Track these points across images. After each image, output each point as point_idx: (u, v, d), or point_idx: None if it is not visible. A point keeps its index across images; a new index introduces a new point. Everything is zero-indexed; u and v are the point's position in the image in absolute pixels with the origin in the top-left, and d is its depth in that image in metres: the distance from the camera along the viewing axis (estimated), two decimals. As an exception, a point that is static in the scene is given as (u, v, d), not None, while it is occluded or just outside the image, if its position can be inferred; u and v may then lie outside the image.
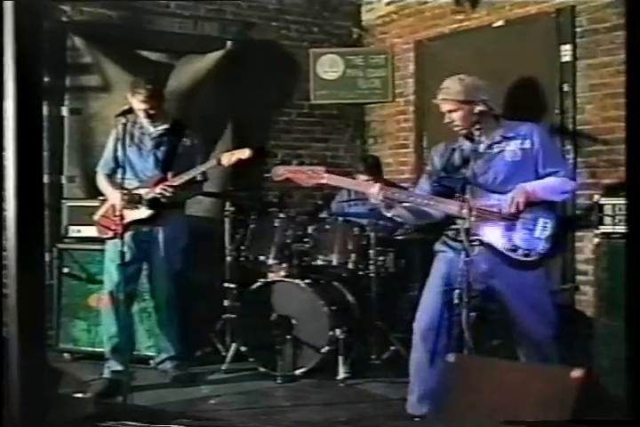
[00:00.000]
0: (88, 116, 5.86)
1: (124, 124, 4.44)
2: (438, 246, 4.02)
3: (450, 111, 3.87)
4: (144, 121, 4.87)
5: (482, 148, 3.89)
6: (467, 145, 3.93)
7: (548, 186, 3.80)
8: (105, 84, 5.87)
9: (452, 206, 3.78)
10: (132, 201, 4.72)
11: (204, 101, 6.11)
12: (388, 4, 6.70)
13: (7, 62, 1.89)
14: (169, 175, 4.80)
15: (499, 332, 4.53)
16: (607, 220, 4.39)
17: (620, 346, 2.45)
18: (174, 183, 4.73)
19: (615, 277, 4.27)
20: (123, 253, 4.19)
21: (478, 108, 3.85)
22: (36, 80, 1.97)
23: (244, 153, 4.70)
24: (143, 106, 4.76)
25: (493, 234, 3.76)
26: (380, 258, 5.22)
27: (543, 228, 3.76)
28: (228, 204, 5.59)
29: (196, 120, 5.46)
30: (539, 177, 3.84)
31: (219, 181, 5.63)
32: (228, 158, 4.70)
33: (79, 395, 4.49)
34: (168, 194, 4.72)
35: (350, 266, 5.20)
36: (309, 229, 5.29)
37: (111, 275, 4.75)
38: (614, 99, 4.88)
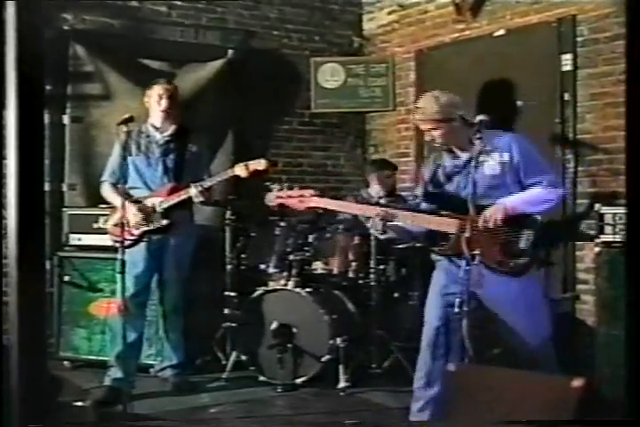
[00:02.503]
0: (89, 125, 5.87)
1: (128, 133, 4.45)
2: (434, 255, 4.06)
3: (429, 130, 3.88)
4: (150, 128, 4.88)
5: (461, 162, 3.92)
6: (448, 160, 3.97)
7: (528, 199, 3.80)
8: (106, 92, 5.89)
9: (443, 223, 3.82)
10: (148, 215, 4.72)
11: (205, 110, 6.12)
12: (390, 13, 6.72)
13: (9, 70, 1.89)
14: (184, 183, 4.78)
15: (499, 341, 4.52)
16: (608, 229, 4.40)
17: (621, 355, 2.45)
18: (205, 185, 4.68)
19: (616, 286, 4.27)
20: (123, 262, 4.18)
21: (456, 124, 3.86)
22: (37, 88, 1.97)
23: (261, 164, 4.66)
24: (163, 92, 4.81)
25: (479, 248, 3.65)
26: (381, 267, 5.23)
27: (527, 239, 3.77)
28: (228, 212, 5.60)
29: (196, 128, 5.45)
30: (523, 187, 3.84)
31: (219, 189, 5.63)
32: (244, 169, 4.67)
33: (79, 403, 4.48)
34: (203, 198, 4.70)
35: (351, 275, 5.21)
36: (310, 238, 5.29)
37: (125, 284, 4.68)
38: (615, 108, 4.89)
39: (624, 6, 3.72)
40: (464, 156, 3.90)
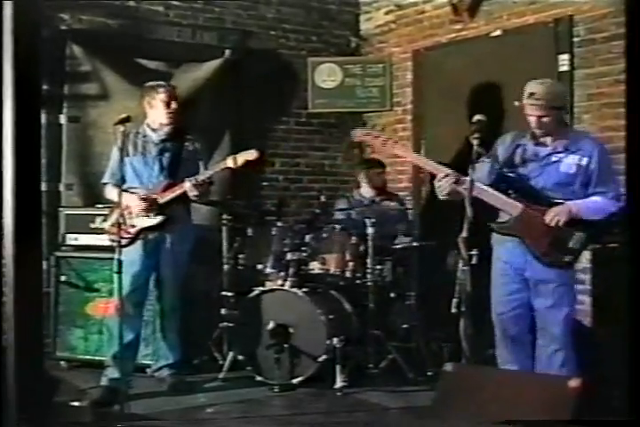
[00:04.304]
0: (86, 125, 5.86)
1: (125, 133, 4.44)
2: (493, 241, 4.17)
3: (539, 117, 3.89)
4: (147, 129, 4.88)
5: (543, 152, 3.98)
6: (530, 145, 4.01)
7: (593, 206, 3.91)
8: (103, 92, 5.88)
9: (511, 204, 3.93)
10: (151, 205, 4.72)
11: (202, 110, 6.12)
12: (387, 13, 6.72)
13: (6, 70, 1.89)
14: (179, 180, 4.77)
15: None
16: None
17: (618, 355, 2.45)
18: (199, 179, 4.68)
19: (613, 287, 4.27)
20: (120, 262, 4.17)
21: (562, 113, 3.98)
22: (34, 88, 1.97)
23: (252, 154, 4.66)
24: (166, 98, 4.80)
25: (531, 235, 3.91)
26: (378, 267, 5.22)
27: (577, 240, 3.91)
28: (225, 212, 5.60)
29: (194, 128, 5.46)
30: (586, 194, 3.94)
31: (217, 189, 5.64)
32: (234, 161, 4.67)
33: (76, 403, 4.48)
34: (197, 192, 4.70)
35: (348, 275, 5.20)
36: (307, 238, 5.28)
37: (122, 284, 4.65)
38: (612, 108, 4.90)
39: (621, 7, 3.72)
40: (548, 147, 3.98)
